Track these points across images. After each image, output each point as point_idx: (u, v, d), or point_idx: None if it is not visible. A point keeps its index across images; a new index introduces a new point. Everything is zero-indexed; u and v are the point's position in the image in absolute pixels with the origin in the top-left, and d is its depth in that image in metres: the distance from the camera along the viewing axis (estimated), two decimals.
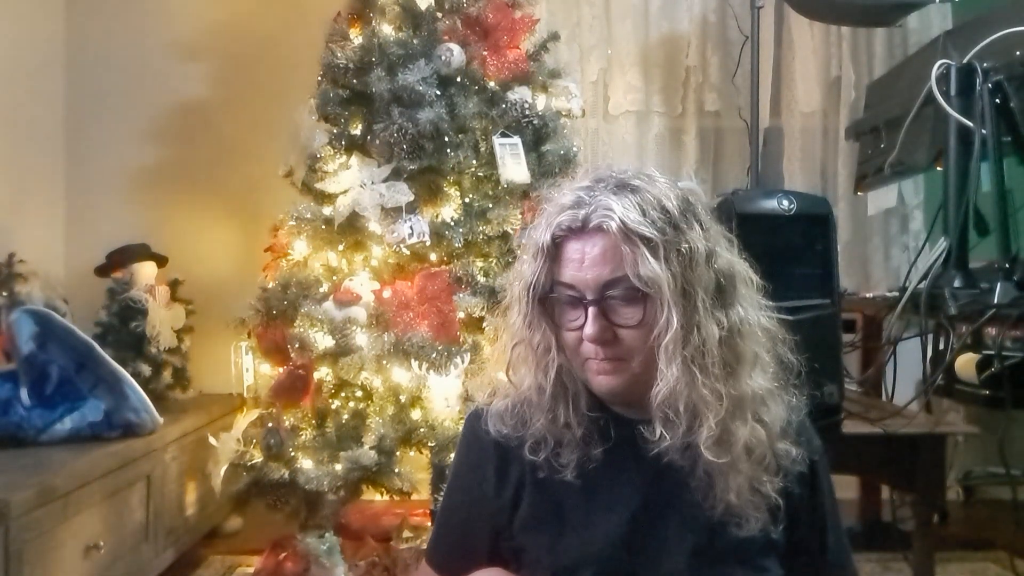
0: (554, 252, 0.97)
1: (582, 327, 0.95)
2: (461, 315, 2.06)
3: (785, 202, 1.55)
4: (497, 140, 2.19)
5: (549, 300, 0.99)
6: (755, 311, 1.00)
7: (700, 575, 0.97)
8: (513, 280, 1.04)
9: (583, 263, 0.95)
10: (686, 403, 0.93)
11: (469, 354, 2.01)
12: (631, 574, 0.98)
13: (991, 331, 1.59)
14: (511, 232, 2.14)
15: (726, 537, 0.96)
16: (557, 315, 0.99)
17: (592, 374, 0.98)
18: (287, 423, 2.06)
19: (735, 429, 0.94)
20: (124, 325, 2.68)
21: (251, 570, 2.33)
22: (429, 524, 2.14)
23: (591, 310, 0.94)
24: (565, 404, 1.00)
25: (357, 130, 2.24)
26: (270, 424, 2.07)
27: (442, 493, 1.15)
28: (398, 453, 2.02)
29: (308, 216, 2.17)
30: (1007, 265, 1.54)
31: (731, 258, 0.99)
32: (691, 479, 0.96)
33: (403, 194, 2.10)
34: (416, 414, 2.05)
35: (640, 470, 1.00)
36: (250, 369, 2.52)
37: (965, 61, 1.59)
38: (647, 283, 0.91)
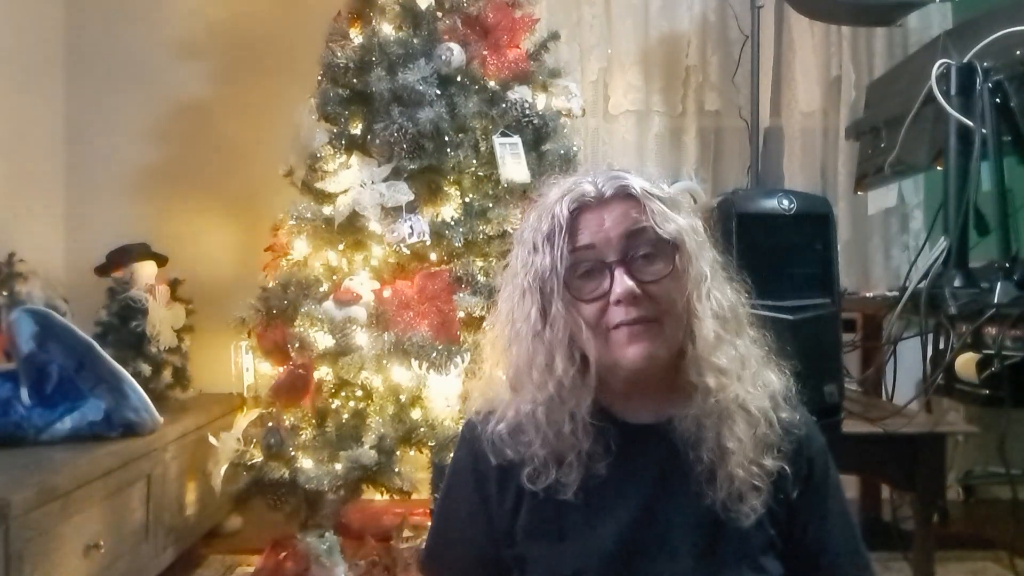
0: (571, 225, 0.95)
1: (606, 294, 0.93)
2: (461, 315, 2.06)
3: (785, 202, 1.55)
4: (497, 139, 2.19)
5: (564, 280, 0.95)
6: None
7: None
8: (510, 279, 1.01)
9: (603, 225, 0.95)
10: (717, 360, 0.96)
11: (469, 354, 2.01)
12: None
13: (991, 331, 1.59)
14: (511, 231, 2.14)
15: (728, 534, 0.96)
16: (575, 290, 0.95)
17: (621, 347, 0.93)
18: (287, 422, 2.06)
19: (745, 392, 0.96)
20: (124, 324, 2.68)
21: (251, 570, 2.33)
22: (429, 523, 2.13)
23: (617, 270, 0.93)
24: (571, 414, 0.97)
25: (357, 130, 2.24)
26: (270, 423, 2.07)
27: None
28: (398, 452, 2.02)
29: (308, 216, 2.17)
30: (1007, 265, 1.54)
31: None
32: (698, 464, 0.96)
33: (403, 193, 2.10)
34: (416, 413, 2.05)
35: (641, 478, 0.99)
36: (250, 369, 2.52)
37: (965, 61, 1.59)
38: (673, 234, 0.94)
